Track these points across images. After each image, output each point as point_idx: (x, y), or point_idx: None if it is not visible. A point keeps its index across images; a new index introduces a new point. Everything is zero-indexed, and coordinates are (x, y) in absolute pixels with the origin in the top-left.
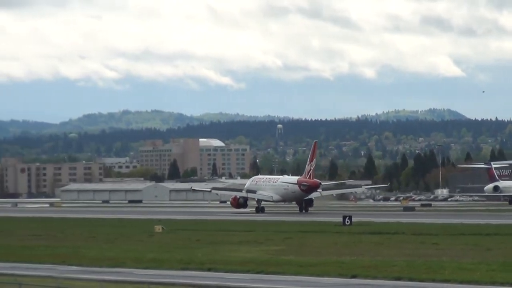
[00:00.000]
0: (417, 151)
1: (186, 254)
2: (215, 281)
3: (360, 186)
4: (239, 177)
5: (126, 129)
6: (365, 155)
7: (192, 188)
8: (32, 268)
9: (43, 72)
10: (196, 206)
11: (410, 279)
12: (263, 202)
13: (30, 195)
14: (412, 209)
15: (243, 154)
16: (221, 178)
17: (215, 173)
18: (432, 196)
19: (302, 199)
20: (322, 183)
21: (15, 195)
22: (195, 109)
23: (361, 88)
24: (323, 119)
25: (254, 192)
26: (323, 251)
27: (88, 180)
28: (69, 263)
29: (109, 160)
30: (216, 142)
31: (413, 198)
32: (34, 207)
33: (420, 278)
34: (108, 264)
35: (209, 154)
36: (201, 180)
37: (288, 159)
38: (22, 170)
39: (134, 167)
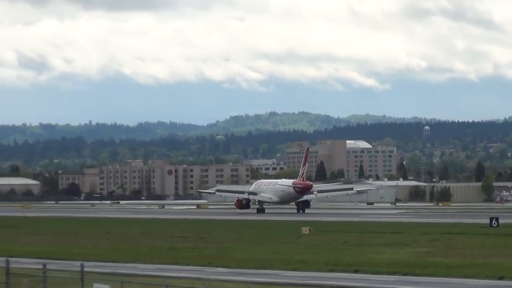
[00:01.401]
0: None
1: (333, 256)
2: (362, 283)
3: (352, 188)
4: (386, 179)
5: (273, 131)
6: None
7: (198, 190)
8: (179, 270)
9: (187, 74)
10: (342, 208)
11: None
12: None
13: (177, 196)
14: None
15: (390, 156)
16: (368, 180)
17: (362, 174)
18: None
19: (297, 200)
20: (313, 185)
21: (162, 197)
22: (341, 111)
23: (506, 90)
24: (470, 120)
25: (255, 194)
26: (470, 253)
27: (235, 182)
28: (216, 265)
29: (256, 162)
30: (363, 144)
31: None
32: (181, 208)
33: None
34: (255, 265)
35: (356, 156)
36: (348, 182)
37: (435, 161)
38: (169, 172)
39: (281, 168)
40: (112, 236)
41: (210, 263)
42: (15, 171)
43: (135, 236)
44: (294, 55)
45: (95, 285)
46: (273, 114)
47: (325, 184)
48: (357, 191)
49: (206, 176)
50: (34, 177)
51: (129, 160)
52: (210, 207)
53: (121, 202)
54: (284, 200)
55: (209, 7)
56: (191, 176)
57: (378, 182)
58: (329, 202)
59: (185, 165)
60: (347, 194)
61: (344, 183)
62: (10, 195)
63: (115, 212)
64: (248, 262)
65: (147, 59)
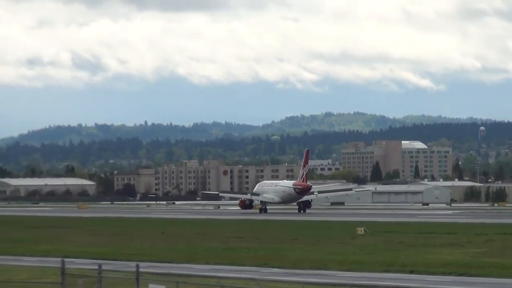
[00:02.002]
0: None
1: (388, 256)
2: (417, 283)
3: (351, 189)
4: (441, 179)
5: (329, 131)
6: None
7: (201, 192)
8: (234, 270)
9: (241, 74)
10: (398, 208)
11: None
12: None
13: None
14: None
15: (445, 156)
16: (423, 180)
17: (417, 175)
18: None
19: (298, 201)
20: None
21: (217, 197)
22: (396, 111)
23: None
24: None
25: (258, 195)
26: None
27: None
28: (271, 265)
29: (311, 162)
30: (419, 144)
31: None
32: (236, 209)
33: None
34: (311, 266)
35: (411, 156)
36: (404, 182)
37: (490, 161)
38: (225, 172)
39: (337, 169)
40: (167, 236)
41: (265, 264)
42: (70, 172)
43: (190, 236)
44: (348, 55)
45: (151, 285)
46: (328, 115)
47: (324, 185)
48: (355, 191)
49: (262, 176)
50: (90, 177)
51: (184, 161)
52: None
53: (177, 202)
54: (285, 200)
55: (263, 8)
56: (247, 177)
57: (434, 183)
58: (384, 203)
59: (240, 166)
60: (347, 194)
61: (399, 184)
62: (65, 195)
63: (171, 213)
64: (303, 263)
65: (201, 59)
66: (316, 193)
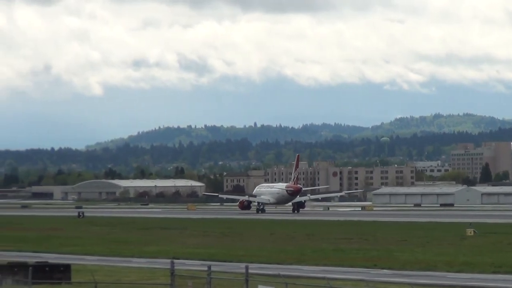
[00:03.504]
0: None
1: (498, 258)
2: None
3: (341, 191)
4: None
5: (438, 133)
6: None
7: (203, 193)
8: (343, 272)
9: (347, 76)
10: (508, 210)
11: None
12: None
13: (341, 198)
14: None
15: None
16: None
17: None
18: None
19: (293, 201)
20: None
21: (327, 198)
22: (505, 112)
23: None
24: None
25: (255, 196)
26: None
27: (400, 184)
28: (380, 267)
29: (421, 164)
30: None
31: None
32: (345, 210)
33: None
34: (420, 267)
35: None
36: None
37: None
38: (334, 174)
39: (446, 170)
40: (276, 238)
41: (375, 265)
42: (180, 173)
43: (300, 238)
44: (454, 56)
45: (260, 286)
46: (437, 116)
47: (317, 187)
48: (345, 193)
49: (371, 178)
50: (199, 179)
51: (293, 162)
52: (375, 208)
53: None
54: (279, 201)
55: (368, 9)
56: (356, 178)
57: None
58: (494, 204)
59: (350, 167)
60: (337, 196)
61: (509, 185)
62: (175, 196)
63: (280, 214)
64: (412, 264)
65: (307, 60)
66: (309, 195)
